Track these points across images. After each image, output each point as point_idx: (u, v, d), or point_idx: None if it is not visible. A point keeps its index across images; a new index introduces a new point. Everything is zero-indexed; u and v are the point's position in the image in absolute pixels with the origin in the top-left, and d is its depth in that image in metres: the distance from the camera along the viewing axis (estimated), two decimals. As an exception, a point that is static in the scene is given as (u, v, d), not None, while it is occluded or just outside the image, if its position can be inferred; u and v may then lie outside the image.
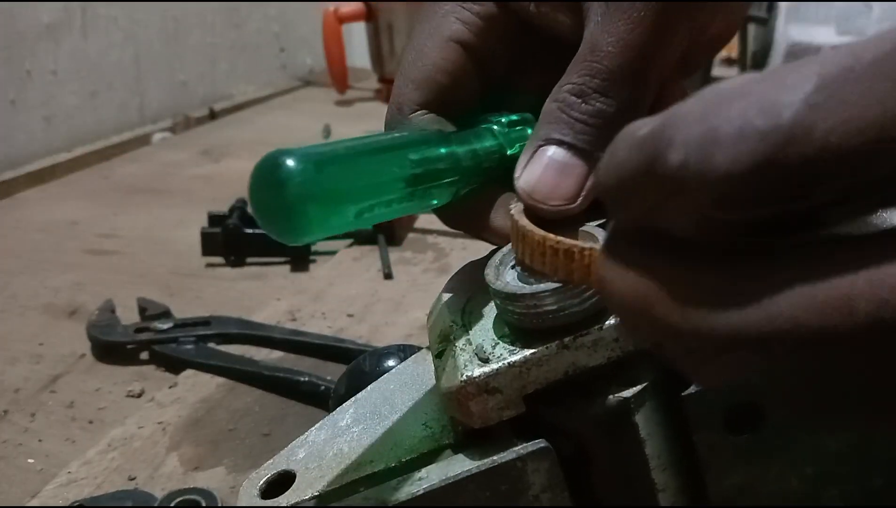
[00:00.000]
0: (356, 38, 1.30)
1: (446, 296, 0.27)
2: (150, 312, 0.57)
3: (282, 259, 0.69)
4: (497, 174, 0.27)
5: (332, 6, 1.15)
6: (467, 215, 0.28)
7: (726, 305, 0.14)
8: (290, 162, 0.21)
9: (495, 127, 0.28)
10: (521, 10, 0.28)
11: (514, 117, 0.29)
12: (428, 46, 0.28)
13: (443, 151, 0.26)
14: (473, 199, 0.27)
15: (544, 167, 0.26)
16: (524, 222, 0.21)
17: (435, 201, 0.26)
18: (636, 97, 0.26)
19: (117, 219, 0.79)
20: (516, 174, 0.26)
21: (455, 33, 0.28)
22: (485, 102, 0.30)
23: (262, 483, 0.26)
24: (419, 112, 0.28)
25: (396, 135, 0.27)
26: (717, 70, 1.24)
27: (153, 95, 1.12)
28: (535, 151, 0.26)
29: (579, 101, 0.26)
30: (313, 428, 0.28)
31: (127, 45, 1.06)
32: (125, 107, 1.08)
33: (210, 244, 0.68)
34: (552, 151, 0.26)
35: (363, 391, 0.28)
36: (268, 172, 0.21)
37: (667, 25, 0.26)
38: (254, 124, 1.13)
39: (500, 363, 0.22)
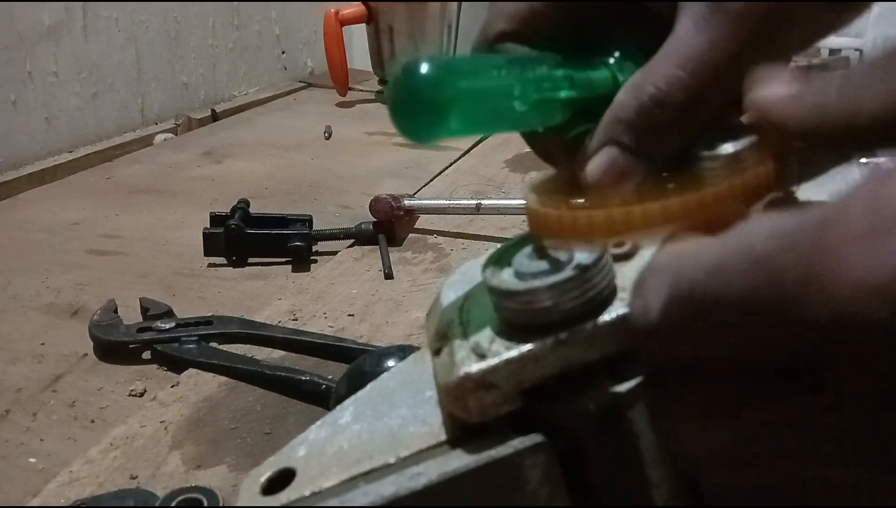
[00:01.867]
0: (357, 40, 1.30)
1: (445, 295, 0.27)
2: (152, 312, 0.57)
3: (283, 259, 0.69)
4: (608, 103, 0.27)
5: (332, 8, 1.16)
6: (573, 148, 0.28)
7: None
8: (425, 68, 0.22)
9: (610, 60, 0.29)
10: None
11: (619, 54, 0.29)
12: None
13: (559, 71, 0.27)
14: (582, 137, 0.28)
15: (607, 167, 0.26)
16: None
17: (549, 119, 0.27)
18: (713, 109, 0.26)
19: (119, 219, 0.79)
20: (587, 163, 0.27)
21: None
22: (569, 47, 0.29)
23: (262, 480, 0.26)
24: (506, 43, 0.29)
25: (516, 55, 0.28)
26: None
27: (154, 96, 1.12)
28: (601, 148, 0.26)
29: (656, 110, 0.26)
30: (313, 426, 0.28)
31: (128, 46, 1.07)
32: (127, 108, 1.08)
33: (212, 245, 0.68)
34: (616, 154, 0.26)
35: (363, 390, 0.28)
36: (406, 76, 0.22)
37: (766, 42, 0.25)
38: (255, 126, 1.13)
39: (497, 359, 0.22)
